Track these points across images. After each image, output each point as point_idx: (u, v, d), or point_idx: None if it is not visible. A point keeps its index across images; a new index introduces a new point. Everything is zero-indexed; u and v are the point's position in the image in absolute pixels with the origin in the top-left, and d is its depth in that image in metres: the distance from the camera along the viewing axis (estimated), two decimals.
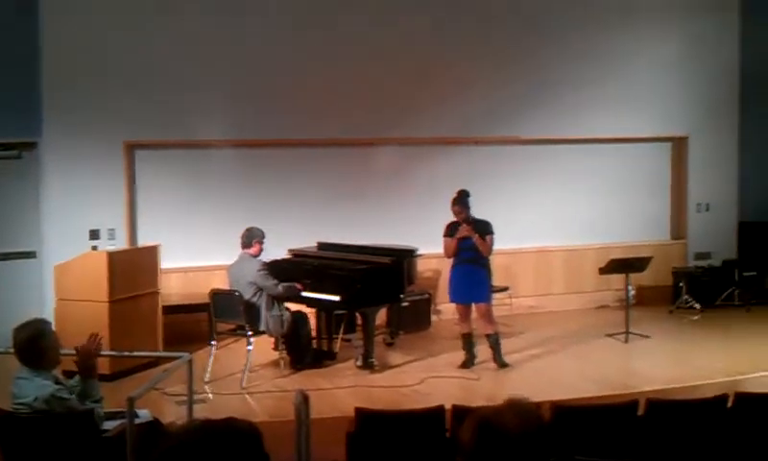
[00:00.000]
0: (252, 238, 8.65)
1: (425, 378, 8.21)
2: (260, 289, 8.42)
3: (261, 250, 8.70)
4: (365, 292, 8.49)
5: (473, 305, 8.70)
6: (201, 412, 6.41)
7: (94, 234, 10.03)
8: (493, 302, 8.96)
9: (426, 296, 10.77)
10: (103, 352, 5.36)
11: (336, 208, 10.80)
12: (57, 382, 5.04)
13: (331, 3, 10.83)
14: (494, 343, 8.72)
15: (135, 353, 7.15)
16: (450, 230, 8.61)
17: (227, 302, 8.47)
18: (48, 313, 8.34)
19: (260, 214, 9.58)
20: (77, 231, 9.89)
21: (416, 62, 11.10)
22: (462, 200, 8.57)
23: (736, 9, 12.59)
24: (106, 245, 9.73)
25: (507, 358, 8.76)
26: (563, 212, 11.92)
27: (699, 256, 12.55)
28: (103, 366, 6.51)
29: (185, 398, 5.96)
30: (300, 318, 8.76)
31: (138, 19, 10.14)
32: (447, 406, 5.51)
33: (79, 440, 4.78)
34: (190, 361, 5.67)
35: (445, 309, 10.82)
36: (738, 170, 12.76)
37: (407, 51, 11.08)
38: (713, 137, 12.58)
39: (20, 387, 4.90)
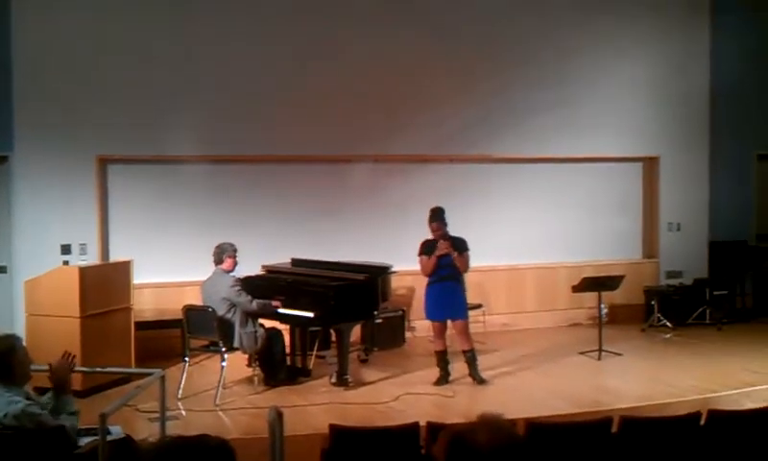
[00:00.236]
0: (222, 253, 8.59)
1: (400, 395, 8.19)
2: (234, 305, 8.37)
3: (235, 263, 8.65)
4: (339, 308, 8.47)
5: (449, 322, 8.72)
6: (173, 429, 6.34)
7: (66, 249, 9.96)
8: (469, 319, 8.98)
9: (400, 313, 10.78)
10: (75, 369, 5.30)
11: (310, 225, 10.80)
12: (28, 398, 4.97)
13: (305, 21, 10.85)
14: (471, 359, 8.72)
15: (108, 369, 7.07)
16: (426, 247, 8.61)
17: (200, 318, 8.41)
18: (19, 329, 8.25)
19: (234, 230, 9.56)
20: (48, 246, 9.82)
21: (391, 81, 11.16)
22: (439, 216, 8.57)
23: (706, 29, 12.76)
24: (77, 260, 9.70)
25: (482, 374, 8.77)
26: (536, 230, 11.99)
27: (671, 275, 12.66)
28: (75, 382, 6.41)
29: (158, 414, 5.90)
30: (274, 335, 8.72)
31: (110, 34, 10.12)
32: (422, 423, 5.50)
33: (50, 457, 4.71)
34: (163, 378, 5.62)
35: (420, 326, 10.85)
36: (709, 190, 12.90)
37: (383, 69, 11.13)
38: (684, 157, 12.72)
39: None
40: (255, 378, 8.75)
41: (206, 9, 10.58)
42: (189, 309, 8.57)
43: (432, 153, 11.49)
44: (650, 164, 12.83)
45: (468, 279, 8.96)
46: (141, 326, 9.29)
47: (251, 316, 8.48)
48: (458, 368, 8.84)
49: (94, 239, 10.13)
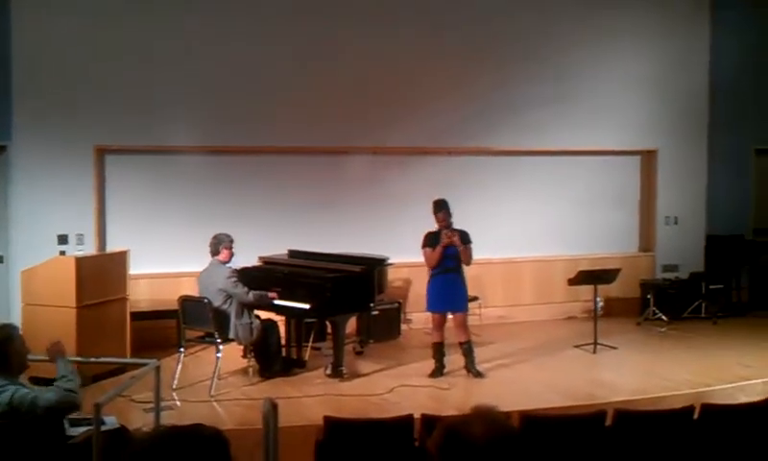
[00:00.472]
0: (218, 244, 8.59)
1: (395, 387, 8.20)
2: (230, 297, 8.37)
3: (232, 254, 8.64)
4: (335, 300, 8.47)
5: (449, 314, 8.72)
6: (168, 419, 6.35)
7: (63, 239, 9.95)
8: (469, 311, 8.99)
9: (396, 305, 10.77)
10: (70, 358, 5.31)
11: (307, 216, 10.79)
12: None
13: (303, 14, 10.82)
14: (468, 351, 8.72)
15: (103, 359, 7.07)
16: (430, 240, 8.59)
17: (196, 308, 8.42)
18: (15, 318, 8.27)
19: (231, 221, 9.53)
20: (45, 236, 9.81)
21: (389, 73, 11.14)
22: (445, 207, 8.56)
23: (707, 24, 12.75)
24: (74, 250, 9.68)
25: (478, 367, 8.78)
26: (533, 223, 11.99)
27: (667, 269, 12.67)
28: None
29: (153, 405, 5.90)
30: (269, 326, 8.72)
31: (109, 24, 10.09)
32: (417, 415, 5.51)
33: (44, 447, 4.72)
34: (158, 368, 5.63)
35: (416, 318, 10.85)
36: (707, 184, 12.91)
37: (381, 61, 11.12)
38: (682, 151, 12.72)
39: None
40: (250, 370, 8.76)
41: (206, 7, 10.55)
42: (185, 300, 8.57)
43: (430, 145, 11.48)
44: (648, 158, 12.82)
45: (466, 271, 8.96)
46: (137, 316, 9.28)
47: (246, 307, 8.48)
48: (453, 360, 8.85)
49: (91, 229, 10.12)
